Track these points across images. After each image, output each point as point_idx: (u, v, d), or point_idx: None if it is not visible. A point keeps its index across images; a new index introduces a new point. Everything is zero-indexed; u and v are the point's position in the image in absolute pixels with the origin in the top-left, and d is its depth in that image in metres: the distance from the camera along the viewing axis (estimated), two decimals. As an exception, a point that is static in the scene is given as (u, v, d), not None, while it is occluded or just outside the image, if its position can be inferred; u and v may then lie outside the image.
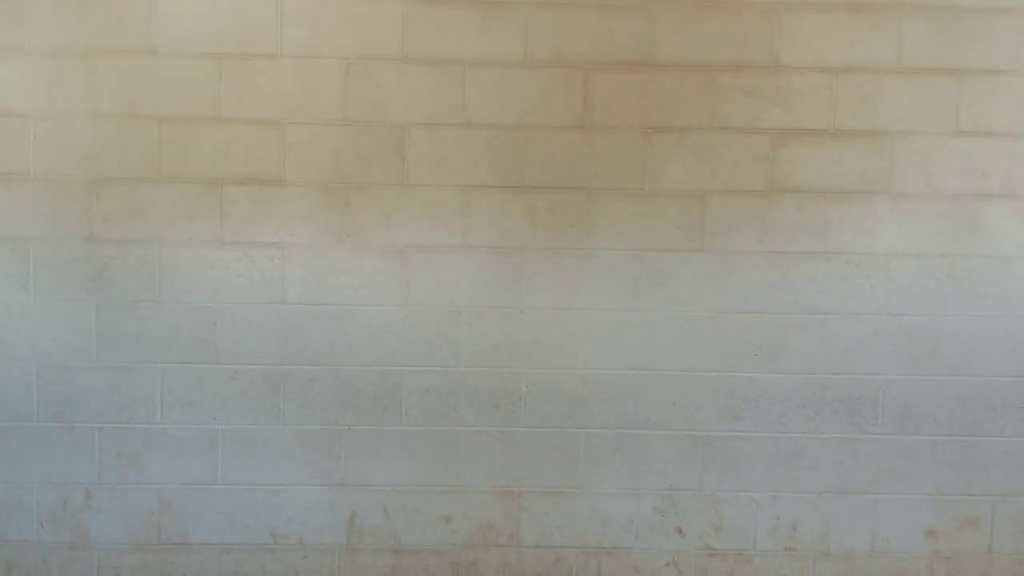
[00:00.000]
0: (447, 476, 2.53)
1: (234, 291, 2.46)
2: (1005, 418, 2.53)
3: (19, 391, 2.47)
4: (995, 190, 2.47)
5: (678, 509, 2.55)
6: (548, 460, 2.53)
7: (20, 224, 2.42)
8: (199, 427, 2.49)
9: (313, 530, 2.53)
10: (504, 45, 2.43)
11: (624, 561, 2.56)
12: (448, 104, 2.44)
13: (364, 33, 2.41)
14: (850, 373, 2.51)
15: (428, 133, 2.44)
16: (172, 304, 2.45)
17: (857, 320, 2.50)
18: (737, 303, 2.50)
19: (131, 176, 2.42)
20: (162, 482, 2.51)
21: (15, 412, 2.47)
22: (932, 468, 2.54)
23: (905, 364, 2.51)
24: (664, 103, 2.45)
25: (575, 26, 2.42)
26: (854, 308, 2.50)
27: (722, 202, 2.47)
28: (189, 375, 2.47)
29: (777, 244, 2.48)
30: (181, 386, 2.48)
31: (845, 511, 2.56)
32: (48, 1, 2.37)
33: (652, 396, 2.52)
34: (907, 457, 2.54)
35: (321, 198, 2.45)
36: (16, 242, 2.43)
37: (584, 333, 2.50)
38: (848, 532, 2.56)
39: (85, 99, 2.40)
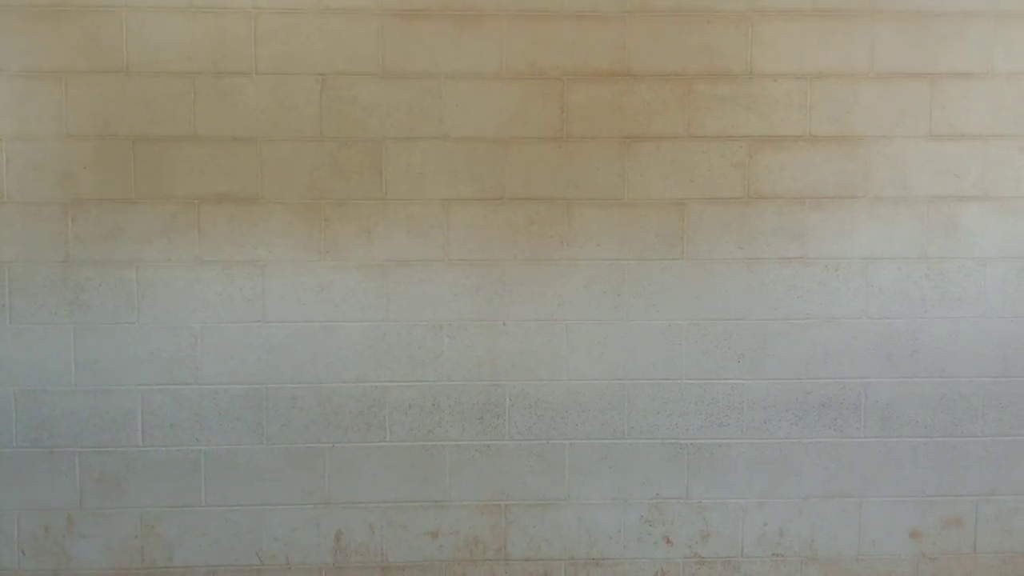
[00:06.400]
0: (433, 491, 2.52)
1: (214, 310, 2.44)
2: (985, 418, 2.55)
3: (-3, 416, 2.44)
4: (969, 192, 2.50)
5: (665, 518, 2.55)
6: (534, 472, 2.53)
7: (-6, 247, 2.40)
8: (181, 449, 2.47)
9: (299, 550, 2.51)
10: (480, 58, 2.43)
11: (612, 572, 2.56)
12: (425, 118, 2.43)
13: (339, 48, 2.41)
14: (832, 377, 2.53)
15: (406, 147, 2.44)
16: (151, 325, 2.43)
17: (837, 324, 2.51)
18: (718, 310, 2.51)
19: (107, 197, 2.40)
20: (145, 505, 2.48)
21: (-7, 438, 2.44)
22: (915, 470, 2.56)
23: (886, 367, 2.53)
24: (641, 112, 2.45)
25: (550, 38, 2.43)
26: (834, 312, 2.51)
27: (701, 210, 2.48)
28: (170, 396, 2.45)
29: (757, 250, 2.49)
30: (162, 408, 2.45)
31: (831, 515, 2.57)
32: (19, 22, 2.35)
33: (636, 405, 2.52)
34: (890, 459, 2.56)
35: (300, 214, 2.43)
36: (-10, 266, 2.40)
37: (567, 344, 2.50)
38: (834, 536, 2.57)
39: (58, 120, 2.38)
